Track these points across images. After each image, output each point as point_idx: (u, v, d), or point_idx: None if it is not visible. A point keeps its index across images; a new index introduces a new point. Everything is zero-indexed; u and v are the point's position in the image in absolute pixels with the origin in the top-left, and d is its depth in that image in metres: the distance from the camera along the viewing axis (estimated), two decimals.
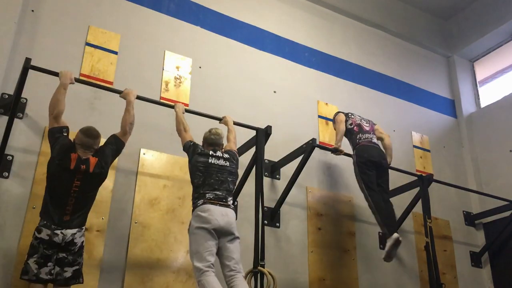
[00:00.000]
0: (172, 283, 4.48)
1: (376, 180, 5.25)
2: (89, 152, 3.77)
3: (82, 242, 3.73)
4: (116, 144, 3.96)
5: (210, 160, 4.07)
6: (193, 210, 3.95)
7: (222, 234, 3.83)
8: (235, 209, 5.08)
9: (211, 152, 4.13)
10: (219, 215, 3.83)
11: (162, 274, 4.48)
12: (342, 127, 5.51)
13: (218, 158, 4.13)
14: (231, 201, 4.04)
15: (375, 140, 5.54)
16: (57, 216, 3.62)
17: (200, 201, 3.89)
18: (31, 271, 3.53)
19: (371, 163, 5.25)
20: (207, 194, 3.92)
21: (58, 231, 3.59)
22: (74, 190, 3.66)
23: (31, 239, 3.61)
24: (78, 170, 3.69)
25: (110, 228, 4.43)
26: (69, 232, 3.64)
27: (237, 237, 3.96)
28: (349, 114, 5.71)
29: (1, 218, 4.05)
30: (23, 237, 4.04)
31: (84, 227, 3.76)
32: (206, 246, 3.74)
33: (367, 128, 5.56)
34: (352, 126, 5.53)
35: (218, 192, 3.96)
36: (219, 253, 3.87)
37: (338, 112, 5.83)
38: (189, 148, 4.18)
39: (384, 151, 5.58)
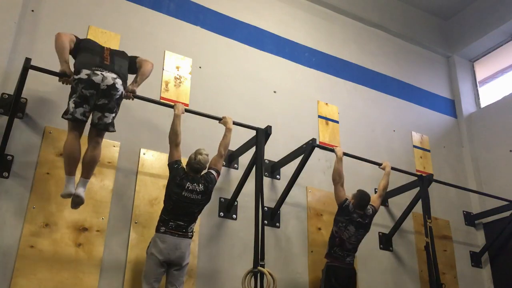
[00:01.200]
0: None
1: None
2: None
3: (122, 92, 3.98)
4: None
5: (183, 193, 4.17)
6: (156, 229, 4.17)
7: (171, 265, 4.11)
8: (234, 210, 5.12)
9: (187, 185, 4.20)
10: (173, 249, 4.06)
11: None
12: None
13: (192, 191, 4.21)
14: (192, 229, 4.24)
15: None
16: (98, 59, 3.91)
17: (163, 229, 4.12)
18: (69, 110, 3.79)
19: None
20: (170, 223, 4.13)
21: (98, 72, 3.79)
22: None
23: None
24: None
25: (110, 228, 4.43)
26: (109, 75, 3.82)
27: (186, 265, 4.19)
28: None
29: (1, 218, 4.05)
30: (23, 237, 4.04)
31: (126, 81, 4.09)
32: (155, 273, 4.04)
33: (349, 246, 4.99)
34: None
35: (180, 223, 4.15)
36: (166, 276, 4.14)
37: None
38: (172, 170, 4.28)
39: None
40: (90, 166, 3.96)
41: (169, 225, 4.12)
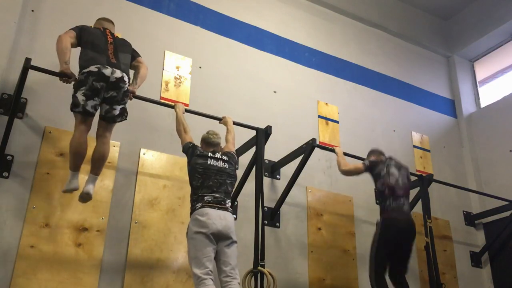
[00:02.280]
0: (172, 283, 4.48)
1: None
2: None
3: (128, 86, 4.09)
4: None
5: (209, 162, 4.03)
6: (191, 213, 3.92)
7: (220, 238, 3.79)
8: (234, 210, 5.12)
9: (210, 154, 4.09)
10: (217, 219, 3.79)
11: (162, 274, 4.48)
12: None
13: (217, 159, 4.07)
14: (229, 204, 4.01)
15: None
16: (105, 58, 3.99)
17: (199, 204, 3.86)
18: (79, 103, 3.81)
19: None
20: (205, 197, 3.89)
21: (108, 67, 3.91)
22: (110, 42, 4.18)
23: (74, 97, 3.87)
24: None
25: (110, 228, 4.43)
26: (118, 72, 3.97)
27: (235, 241, 3.91)
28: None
29: (1, 218, 4.05)
30: (23, 237, 4.04)
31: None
32: (205, 252, 3.70)
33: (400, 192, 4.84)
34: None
35: (216, 195, 3.92)
36: (216, 257, 3.83)
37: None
38: (188, 149, 4.15)
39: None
40: (99, 163, 3.96)
41: (205, 199, 3.87)
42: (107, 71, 3.90)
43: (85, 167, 4.04)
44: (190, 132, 4.34)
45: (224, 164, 4.09)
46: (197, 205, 3.87)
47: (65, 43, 4.00)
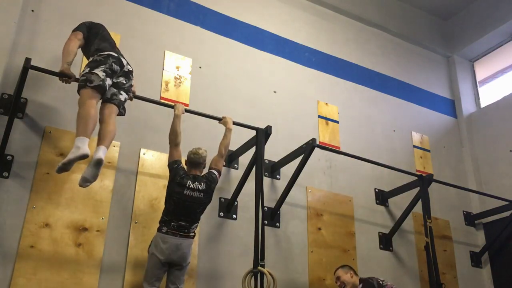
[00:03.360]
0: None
1: None
2: None
3: (131, 84, 4.22)
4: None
5: (185, 192, 4.15)
6: (157, 229, 4.14)
7: (173, 265, 4.11)
8: (234, 210, 5.12)
9: (188, 183, 4.17)
10: (175, 249, 4.05)
11: None
12: None
13: (194, 190, 4.18)
14: (194, 229, 4.22)
15: None
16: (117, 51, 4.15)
17: (164, 229, 4.09)
18: (98, 78, 3.83)
19: None
20: (172, 223, 4.10)
21: (123, 58, 4.12)
22: None
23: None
24: None
25: (110, 228, 4.43)
26: (130, 66, 4.17)
27: (186, 265, 4.19)
28: (380, 282, 4.76)
29: (1, 218, 4.05)
30: (23, 237, 4.04)
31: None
32: (156, 273, 4.05)
33: None
34: None
35: (182, 223, 4.12)
36: (167, 275, 4.15)
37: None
38: (172, 170, 4.26)
39: None
40: (107, 136, 3.84)
41: (171, 225, 4.10)
42: (124, 60, 4.12)
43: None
44: (180, 144, 4.35)
45: (200, 194, 4.20)
46: (163, 228, 4.10)
47: (72, 47, 4.08)
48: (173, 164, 4.26)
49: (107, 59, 3.97)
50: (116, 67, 4.00)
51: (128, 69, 4.16)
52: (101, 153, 3.69)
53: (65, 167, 3.57)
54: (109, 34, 4.40)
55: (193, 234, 4.21)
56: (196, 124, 5.20)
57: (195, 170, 4.31)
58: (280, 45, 6.49)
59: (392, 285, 4.79)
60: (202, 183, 4.23)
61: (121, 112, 4.13)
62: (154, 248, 4.08)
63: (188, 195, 4.15)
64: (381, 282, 4.73)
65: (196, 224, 4.25)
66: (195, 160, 4.31)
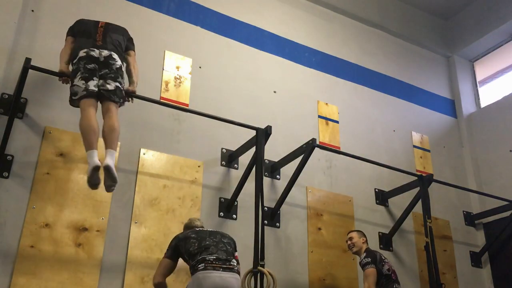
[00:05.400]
0: (172, 283, 4.47)
1: None
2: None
3: (121, 65, 4.10)
4: None
5: (198, 227, 3.99)
6: (192, 273, 3.59)
7: None
8: (234, 210, 5.11)
9: (197, 223, 4.04)
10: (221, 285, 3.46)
11: None
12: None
13: (204, 226, 4.05)
14: (237, 264, 3.70)
15: None
16: (91, 41, 4.05)
17: (201, 265, 3.52)
18: (80, 88, 3.82)
19: None
20: (207, 258, 3.57)
21: (94, 49, 3.99)
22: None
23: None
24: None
25: (110, 228, 4.43)
26: (105, 51, 4.02)
27: None
28: (383, 257, 4.89)
29: (1, 218, 4.05)
30: (23, 237, 4.04)
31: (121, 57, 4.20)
32: None
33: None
34: (390, 273, 4.78)
35: (217, 255, 3.61)
36: None
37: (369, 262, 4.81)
38: (174, 240, 3.83)
39: None
40: (111, 136, 3.84)
41: (207, 260, 3.54)
42: (94, 52, 4.00)
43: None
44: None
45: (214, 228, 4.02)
46: (199, 266, 3.53)
47: (65, 52, 4.15)
48: (173, 241, 3.84)
49: (79, 63, 3.93)
50: (91, 65, 3.93)
51: (103, 57, 3.99)
52: (109, 159, 3.71)
53: (93, 184, 3.69)
54: (85, 24, 4.27)
55: (237, 268, 3.67)
56: (196, 124, 5.20)
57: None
58: (280, 45, 6.49)
59: (392, 266, 4.88)
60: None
61: (118, 101, 4.02)
62: None
63: (204, 230, 3.89)
64: (383, 258, 4.86)
65: (236, 262, 3.71)
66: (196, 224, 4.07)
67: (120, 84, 4.05)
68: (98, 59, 3.97)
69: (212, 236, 3.79)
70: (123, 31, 4.41)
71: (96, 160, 3.64)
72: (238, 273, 3.67)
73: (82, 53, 3.97)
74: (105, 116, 3.95)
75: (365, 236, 5.07)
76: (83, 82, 3.85)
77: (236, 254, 3.86)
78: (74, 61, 3.98)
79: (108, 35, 4.20)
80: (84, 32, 4.18)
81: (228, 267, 3.58)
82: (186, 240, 3.74)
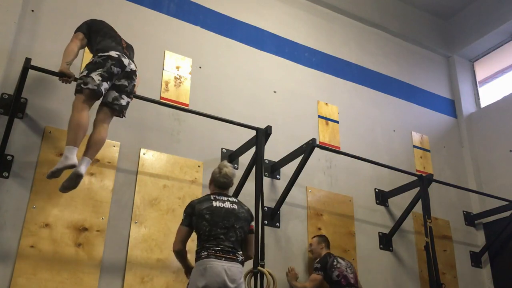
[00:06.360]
0: (172, 283, 4.48)
1: None
2: None
3: (134, 84, 4.12)
4: None
5: (215, 204, 3.70)
6: (195, 259, 3.61)
7: None
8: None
9: (214, 197, 3.77)
10: (223, 273, 3.47)
11: (162, 274, 4.48)
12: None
13: (223, 201, 3.75)
14: (241, 254, 3.68)
15: None
16: (120, 48, 4.04)
17: (204, 253, 3.53)
18: (93, 81, 3.75)
19: None
20: (212, 247, 3.55)
21: (126, 57, 3.94)
22: None
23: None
24: None
25: (110, 228, 4.43)
26: (133, 65, 4.04)
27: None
28: (334, 263, 4.91)
29: (1, 218, 4.05)
30: (23, 237, 4.04)
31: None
32: None
33: (352, 281, 4.87)
34: (340, 279, 4.82)
35: (225, 244, 3.58)
36: None
37: (317, 270, 4.92)
38: (188, 208, 3.77)
39: None
40: (96, 146, 3.84)
41: (212, 249, 3.53)
42: (125, 60, 4.01)
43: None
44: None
45: (232, 205, 3.75)
46: (202, 253, 3.55)
47: (72, 47, 4.08)
48: (187, 208, 3.78)
49: (106, 61, 3.89)
50: (115, 69, 3.91)
51: (131, 69, 4.05)
52: (83, 168, 3.69)
53: (54, 175, 3.68)
54: (112, 29, 4.33)
55: (241, 258, 3.64)
56: (196, 124, 5.20)
57: (223, 191, 3.88)
58: (280, 45, 6.49)
59: (344, 271, 4.85)
60: (229, 198, 3.84)
61: (121, 115, 4.10)
62: (197, 281, 3.45)
63: (220, 206, 3.69)
64: (335, 264, 4.88)
65: (241, 252, 3.68)
66: (223, 181, 3.87)
67: (130, 100, 4.13)
68: (125, 67, 3.99)
69: (225, 221, 3.64)
70: (133, 53, 4.42)
71: (75, 159, 3.63)
72: (242, 263, 3.66)
73: (114, 54, 3.94)
74: (99, 124, 3.95)
75: (326, 241, 5.14)
76: (100, 79, 3.81)
77: (252, 224, 3.87)
78: (103, 55, 3.92)
79: (129, 50, 4.24)
80: (110, 35, 4.16)
81: (231, 257, 3.57)
82: (199, 218, 3.64)
